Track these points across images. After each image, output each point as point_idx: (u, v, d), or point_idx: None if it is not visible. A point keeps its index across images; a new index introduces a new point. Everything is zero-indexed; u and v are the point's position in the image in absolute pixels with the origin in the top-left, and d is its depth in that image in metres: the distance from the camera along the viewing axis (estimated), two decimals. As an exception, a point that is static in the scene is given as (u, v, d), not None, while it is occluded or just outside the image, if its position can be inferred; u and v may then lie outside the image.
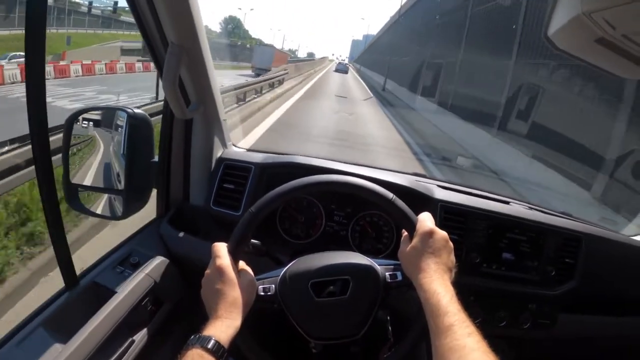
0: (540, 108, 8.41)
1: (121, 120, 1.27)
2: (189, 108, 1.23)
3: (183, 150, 1.36)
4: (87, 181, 1.30)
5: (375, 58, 55.24)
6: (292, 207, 1.40)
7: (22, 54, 0.82)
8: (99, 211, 1.34)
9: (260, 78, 18.12)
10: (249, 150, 1.57)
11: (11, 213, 3.76)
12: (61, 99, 13.99)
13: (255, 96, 14.43)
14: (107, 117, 1.36)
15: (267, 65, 32.08)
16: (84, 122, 1.23)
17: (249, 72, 33.39)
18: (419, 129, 13.36)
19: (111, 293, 1.05)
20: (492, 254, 1.32)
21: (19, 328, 0.92)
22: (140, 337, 1.06)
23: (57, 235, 0.94)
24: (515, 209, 1.41)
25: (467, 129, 11.49)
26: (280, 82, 19.78)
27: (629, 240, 1.50)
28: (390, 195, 0.97)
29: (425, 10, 23.70)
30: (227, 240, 0.92)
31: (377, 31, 69.37)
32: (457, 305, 0.78)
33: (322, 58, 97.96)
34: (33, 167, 0.92)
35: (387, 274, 0.95)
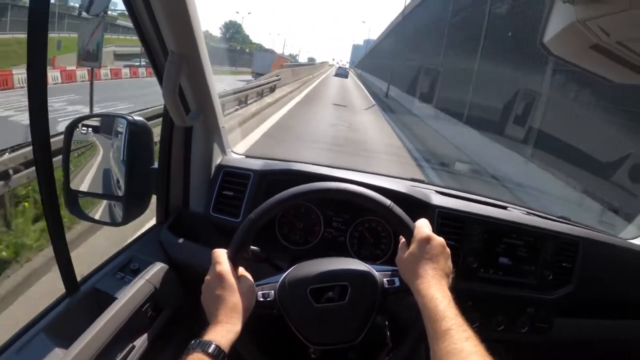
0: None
1: (121, 127, 1.27)
2: (189, 116, 1.24)
3: (183, 157, 1.37)
4: (87, 187, 1.30)
5: (376, 63, 53.31)
6: (291, 214, 1.41)
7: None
8: (98, 217, 1.34)
9: (247, 86, 15.72)
10: (248, 156, 1.57)
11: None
12: (23, 113, 10.41)
13: (238, 107, 12.26)
14: (106, 124, 1.37)
15: (267, 70, 31.62)
16: (83, 128, 1.23)
17: (249, 77, 33.07)
18: (442, 153, 10.91)
19: (112, 299, 1.05)
20: (490, 259, 1.33)
21: (19, 334, 0.92)
22: (140, 342, 1.06)
23: (58, 241, 0.94)
24: (513, 214, 1.42)
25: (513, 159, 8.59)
26: (272, 90, 17.80)
27: (626, 244, 1.51)
28: (387, 202, 0.98)
29: (437, 8, 20.63)
30: (226, 246, 0.93)
31: (379, 35, 67.75)
32: (454, 310, 0.78)
33: (322, 63, 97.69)
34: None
35: (385, 279, 0.96)
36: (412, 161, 9.18)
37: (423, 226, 0.96)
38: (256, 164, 1.42)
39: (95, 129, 1.33)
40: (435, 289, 0.83)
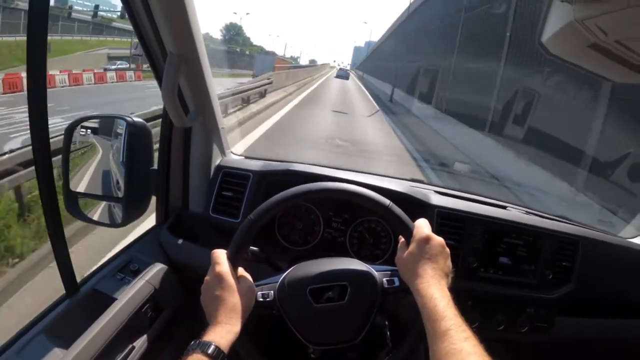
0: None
1: (120, 129, 1.27)
2: (188, 117, 1.24)
3: (182, 158, 1.37)
4: (87, 189, 1.30)
5: (378, 64, 51.40)
6: (291, 214, 1.41)
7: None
8: (98, 218, 1.34)
9: (227, 92, 12.90)
10: (247, 157, 1.57)
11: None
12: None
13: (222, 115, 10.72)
14: (106, 125, 1.37)
15: (267, 72, 31.52)
16: (82, 129, 1.23)
17: (249, 79, 33.07)
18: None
19: (111, 300, 1.05)
20: (489, 259, 1.33)
21: (19, 335, 0.92)
22: (140, 343, 1.06)
23: (57, 242, 0.94)
24: (512, 213, 1.42)
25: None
26: (262, 95, 15.83)
27: (626, 243, 1.51)
28: (386, 201, 0.98)
29: (445, 2, 18.44)
30: (226, 247, 0.93)
31: (380, 36, 65.34)
32: (453, 310, 0.78)
33: (323, 64, 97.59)
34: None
35: (384, 279, 0.96)
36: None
37: (422, 226, 0.96)
38: (255, 165, 1.42)
39: (95, 131, 1.34)
40: (435, 289, 0.83)
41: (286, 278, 0.95)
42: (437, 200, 1.36)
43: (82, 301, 1.04)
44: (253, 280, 0.93)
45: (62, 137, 1.14)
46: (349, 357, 1.02)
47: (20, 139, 8.69)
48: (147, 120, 1.25)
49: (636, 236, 1.60)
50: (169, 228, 1.35)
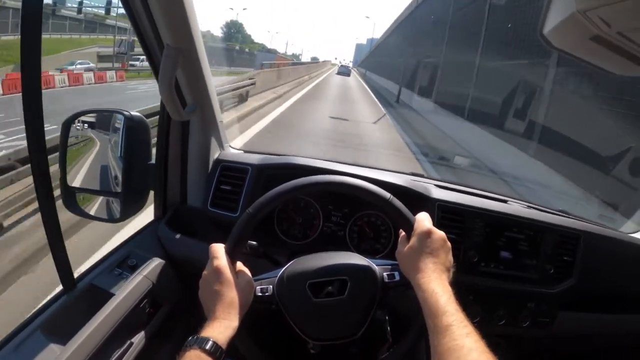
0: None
1: (118, 123, 1.27)
2: (186, 110, 1.23)
3: (180, 152, 1.36)
4: (85, 184, 1.30)
5: (380, 61, 49.50)
6: (290, 208, 1.40)
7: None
8: (96, 214, 1.33)
9: None
10: (246, 151, 1.56)
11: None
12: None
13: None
14: (103, 119, 1.36)
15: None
16: (79, 124, 1.22)
17: (234, 78, 32.45)
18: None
19: (109, 295, 1.05)
20: (490, 253, 1.32)
21: (16, 331, 0.91)
22: (138, 339, 1.06)
23: (54, 238, 0.94)
24: (513, 207, 1.41)
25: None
26: (243, 99, 13.56)
27: (627, 238, 1.50)
28: (387, 195, 0.97)
29: None
30: (224, 241, 0.92)
31: (383, 33, 63.96)
32: (455, 305, 0.78)
33: (324, 62, 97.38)
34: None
35: (384, 274, 0.95)
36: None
37: (423, 220, 0.95)
38: (254, 158, 1.41)
39: (92, 125, 1.33)
40: (436, 284, 0.82)
41: (285, 272, 0.95)
42: (437, 193, 1.35)
43: (79, 297, 1.04)
44: (252, 274, 0.93)
45: (58, 134, 1.14)
46: (349, 353, 1.01)
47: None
48: (147, 116, 1.24)
49: (637, 231, 1.59)
50: (167, 223, 1.34)
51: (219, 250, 0.89)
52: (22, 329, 0.92)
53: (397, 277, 0.95)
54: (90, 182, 1.35)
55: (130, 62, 32.38)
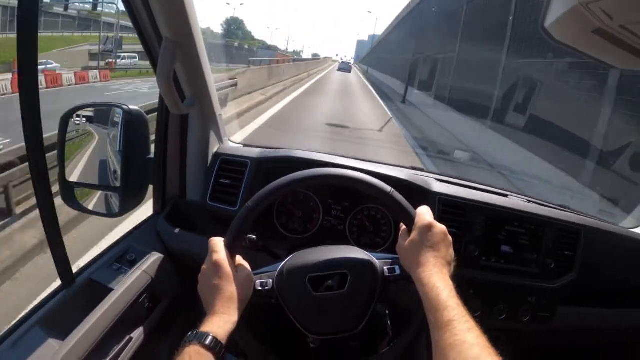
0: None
1: (117, 117, 1.26)
2: (185, 103, 1.23)
3: (179, 146, 1.36)
4: (84, 178, 1.29)
5: (385, 57, 45.21)
6: (290, 202, 1.40)
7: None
8: (95, 209, 1.33)
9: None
10: (245, 145, 1.56)
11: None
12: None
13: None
14: (101, 113, 1.35)
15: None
16: (77, 118, 1.22)
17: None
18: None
19: (108, 290, 1.04)
20: (491, 247, 1.32)
21: (15, 327, 0.91)
22: (137, 334, 1.06)
23: (53, 233, 0.93)
24: (514, 201, 1.41)
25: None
26: (222, 104, 7.85)
27: (627, 233, 1.50)
28: (388, 188, 0.96)
29: None
30: (224, 235, 0.91)
31: (386, 28, 61.64)
32: (456, 300, 0.77)
33: (325, 58, 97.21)
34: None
35: (385, 268, 0.95)
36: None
37: (424, 213, 0.94)
38: (254, 152, 1.40)
39: (90, 119, 1.32)
40: (437, 278, 0.82)
41: (285, 266, 0.94)
42: (438, 187, 1.35)
43: (78, 292, 1.04)
44: (251, 268, 0.92)
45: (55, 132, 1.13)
46: (349, 347, 1.01)
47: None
48: (147, 112, 1.24)
49: (637, 226, 1.59)
50: (167, 217, 1.33)
51: (218, 244, 0.89)
52: (20, 324, 0.92)
53: (398, 271, 0.94)
54: (89, 176, 1.35)
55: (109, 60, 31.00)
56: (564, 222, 1.36)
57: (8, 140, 6.79)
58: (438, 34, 18.29)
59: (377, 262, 0.95)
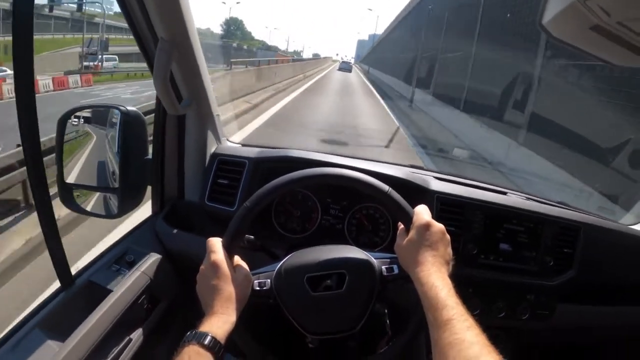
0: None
1: (115, 118, 1.26)
2: (181, 104, 1.23)
3: (177, 146, 1.35)
4: (82, 180, 1.29)
5: (387, 56, 43.38)
6: (288, 202, 1.40)
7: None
8: (94, 210, 1.33)
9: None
10: (243, 145, 1.56)
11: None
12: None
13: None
14: (98, 115, 1.35)
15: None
16: (75, 119, 1.21)
17: None
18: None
19: (107, 292, 1.04)
20: (490, 245, 1.31)
21: (15, 329, 0.91)
22: (137, 335, 1.06)
23: (51, 235, 0.93)
24: (513, 199, 1.41)
25: None
26: None
27: (627, 230, 1.50)
28: (385, 187, 0.96)
29: None
30: (222, 235, 0.91)
31: (387, 26, 60.41)
32: (455, 299, 0.77)
33: (325, 58, 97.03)
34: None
35: (383, 267, 0.95)
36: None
37: (422, 212, 0.94)
38: (251, 152, 1.40)
39: (87, 120, 1.32)
40: (435, 277, 0.82)
41: (283, 266, 0.94)
42: (436, 185, 1.35)
43: (77, 294, 1.04)
44: (249, 268, 0.92)
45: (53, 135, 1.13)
46: (348, 346, 1.01)
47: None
48: (145, 113, 1.23)
49: (637, 223, 1.59)
50: (165, 218, 1.33)
51: (216, 244, 0.89)
52: (20, 326, 0.92)
53: (396, 271, 0.94)
54: (88, 178, 1.34)
55: (94, 63, 29.14)
56: (563, 220, 1.36)
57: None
58: (454, 28, 16.06)
59: (375, 261, 0.95)
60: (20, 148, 3.87)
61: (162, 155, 1.34)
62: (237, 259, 0.91)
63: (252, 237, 1.03)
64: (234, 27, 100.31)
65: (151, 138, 1.33)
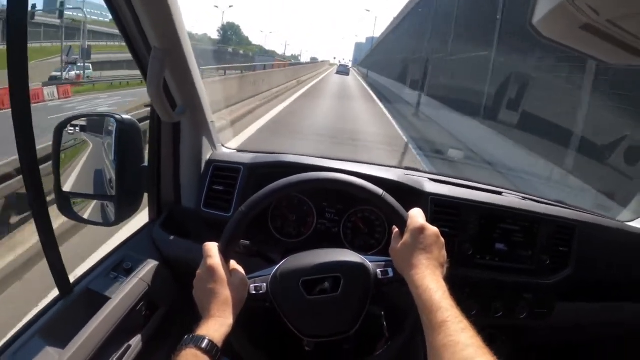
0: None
1: (111, 127, 1.26)
2: (176, 111, 1.23)
3: (172, 153, 1.36)
4: (79, 188, 1.29)
5: (388, 59, 41.65)
6: (283, 206, 1.40)
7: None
8: (91, 218, 1.33)
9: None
10: (239, 150, 1.56)
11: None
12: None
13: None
14: (94, 123, 1.36)
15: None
16: (71, 128, 1.22)
17: None
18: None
19: (105, 299, 1.04)
20: (485, 245, 1.32)
21: (15, 338, 0.91)
22: (136, 342, 1.06)
23: (49, 244, 0.93)
24: (508, 199, 1.41)
25: None
26: None
27: (623, 226, 1.51)
28: (380, 191, 0.96)
29: None
30: (218, 241, 0.92)
31: (386, 28, 59.92)
32: (449, 301, 0.78)
33: (322, 62, 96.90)
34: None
35: (378, 270, 0.96)
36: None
37: (416, 216, 0.95)
38: (246, 158, 1.41)
39: (83, 129, 1.32)
40: (430, 280, 0.82)
41: (279, 270, 0.95)
42: (431, 187, 1.35)
43: (76, 301, 1.04)
44: (246, 273, 0.93)
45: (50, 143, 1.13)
46: (344, 349, 1.01)
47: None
48: (140, 121, 1.24)
49: (633, 219, 1.59)
50: (162, 224, 1.34)
51: (212, 249, 0.90)
52: (20, 334, 0.92)
53: (391, 274, 0.95)
54: (85, 186, 1.34)
55: (74, 72, 27.16)
56: (559, 218, 1.36)
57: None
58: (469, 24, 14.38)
59: (370, 264, 0.96)
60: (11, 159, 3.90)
61: (158, 162, 1.34)
62: (234, 263, 0.92)
63: (248, 242, 1.04)
64: (230, 33, 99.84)
65: (147, 145, 1.33)
